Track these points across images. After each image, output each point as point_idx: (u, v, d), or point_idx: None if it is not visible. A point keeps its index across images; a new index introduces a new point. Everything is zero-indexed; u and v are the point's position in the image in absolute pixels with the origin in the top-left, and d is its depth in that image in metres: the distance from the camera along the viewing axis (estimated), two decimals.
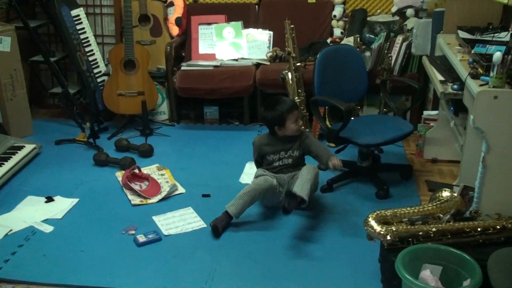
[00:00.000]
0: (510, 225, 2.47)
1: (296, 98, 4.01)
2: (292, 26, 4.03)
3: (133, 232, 2.96)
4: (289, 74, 4.05)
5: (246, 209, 3.00)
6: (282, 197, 3.02)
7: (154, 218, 3.10)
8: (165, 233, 2.95)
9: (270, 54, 4.53)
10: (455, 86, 3.00)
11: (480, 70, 2.77)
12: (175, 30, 4.71)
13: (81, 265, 2.70)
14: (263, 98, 4.56)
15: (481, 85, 2.59)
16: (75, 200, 3.32)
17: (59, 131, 4.40)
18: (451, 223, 2.48)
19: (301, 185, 2.93)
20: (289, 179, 3.14)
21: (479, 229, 2.44)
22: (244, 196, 2.98)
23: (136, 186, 3.40)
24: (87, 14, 4.67)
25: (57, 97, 4.66)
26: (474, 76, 2.73)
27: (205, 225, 3.03)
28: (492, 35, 3.20)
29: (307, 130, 3.41)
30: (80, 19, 4.52)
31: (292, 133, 3.13)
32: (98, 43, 4.71)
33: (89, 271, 2.65)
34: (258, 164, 3.28)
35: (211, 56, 4.66)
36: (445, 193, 2.72)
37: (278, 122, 3.10)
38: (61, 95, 4.31)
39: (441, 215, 2.55)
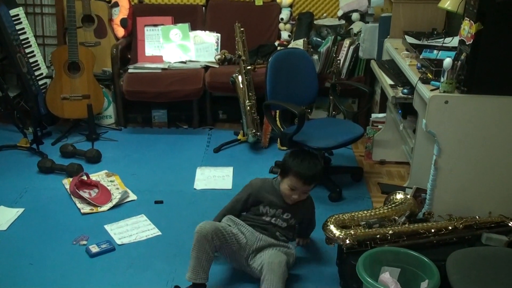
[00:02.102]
0: (461, 226, 2.56)
1: (247, 101, 4.00)
2: (242, 29, 4.02)
3: (84, 242, 2.85)
4: (239, 77, 4.03)
5: (205, 265, 2.40)
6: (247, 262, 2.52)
7: (106, 227, 3.00)
8: (119, 242, 2.86)
9: (218, 56, 4.49)
10: (405, 90, 3.08)
11: (429, 75, 2.86)
12: (120, 32, 4.59)
13: (31, 279, 2.57)
14: (212, 101, 4.55)
15: (432, 90, 2.66)
16: (20, 210, 3.16)
17: None
18: (406, 225, 2.55)
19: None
20: (258, 245, 2.52)
21: (432, 230, 2.53)
22: (191, 253, 2.42)
23: (85, 194, 3.28)
24: (26, 13, 4.48)
25: None
26: (424, 81, 2.81)
27: (159, 233, 2.97)
28: (439, 40, 3.31)
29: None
30: (19, 19, 4.32)
31: (283, 195, 2.59)
32: (38, 44, 4.52)
33: (39, 285, 2.53)
34: (239, 208, 2.67)
35: (158, 58, 4.58)
36: (399, 196, 2.79)
37: (282, 172, 2.61)
38: (0, 99, 4.10)
39: (397, 218, 2.61)
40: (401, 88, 3.14)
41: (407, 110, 3.39)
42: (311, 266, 2.71)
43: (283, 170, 2.59)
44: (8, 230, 2.97)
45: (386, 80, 3.36)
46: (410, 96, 3.03)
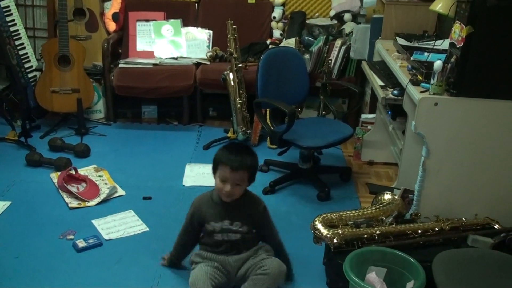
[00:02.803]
0: (447, 227, 2.58)
1: (238, 99, 4.00)
2: (234, 26, 4.02)
3: (71, 237, 2.84)
4: (231, 74, 4.03)
5: None
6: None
7: (94, 222, 2.99)
8: (106, 237, 2.86)
9: (210, 53, 4.49)
10: (396, 92, 3.09)
11: (420, 77, 2.88)
12: (111, 26, 4.57)
13: (16, 272, 2.55)
14: (203, 98, 4.54)
15: (421, 92, 2.68)
16: (7, 203, 3.14)
17: None
18: (393, 225, 2.56)
19: None
20: (236, 265, 2.46)
21: (419, 231, 2.55)
22: None
23: (73, 188, 3.27)
24: (17, 5, 4.43)
25: None
26: (415, 82, 2.83)
27: (147, 229, 2.96)
28: (430, 42, 3.32)
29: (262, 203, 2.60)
30: (10, 10, 4.28)
31: (218, 192, 2.44)
32: (29, 37, 4.49)
33: (25, 279, 2.51)
34: (192, 236, 2.57)
35: (149, 54, 4.56)
36: (387, 196, 2.81)
37: (213, 167, 2.44)
38: None
39: (384, 218, 2.63)
40: (391, 89, 3.16)
41: (397, 111, 3.40)
42: (298, 264, 2.71)
43: (214, 164, 2.42)
44: None
45: (376, 81, 3.38)
46: (400, 98, 3.05)
